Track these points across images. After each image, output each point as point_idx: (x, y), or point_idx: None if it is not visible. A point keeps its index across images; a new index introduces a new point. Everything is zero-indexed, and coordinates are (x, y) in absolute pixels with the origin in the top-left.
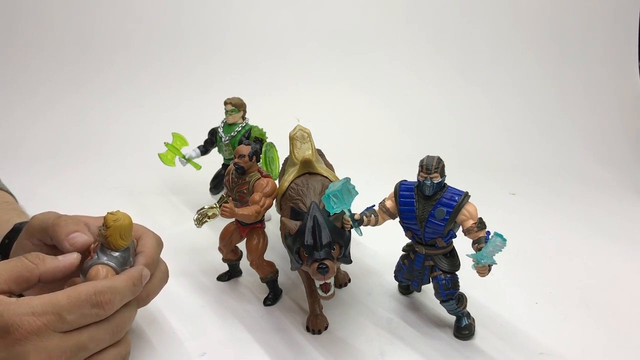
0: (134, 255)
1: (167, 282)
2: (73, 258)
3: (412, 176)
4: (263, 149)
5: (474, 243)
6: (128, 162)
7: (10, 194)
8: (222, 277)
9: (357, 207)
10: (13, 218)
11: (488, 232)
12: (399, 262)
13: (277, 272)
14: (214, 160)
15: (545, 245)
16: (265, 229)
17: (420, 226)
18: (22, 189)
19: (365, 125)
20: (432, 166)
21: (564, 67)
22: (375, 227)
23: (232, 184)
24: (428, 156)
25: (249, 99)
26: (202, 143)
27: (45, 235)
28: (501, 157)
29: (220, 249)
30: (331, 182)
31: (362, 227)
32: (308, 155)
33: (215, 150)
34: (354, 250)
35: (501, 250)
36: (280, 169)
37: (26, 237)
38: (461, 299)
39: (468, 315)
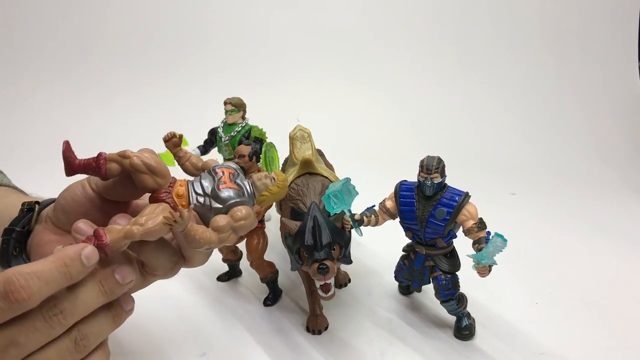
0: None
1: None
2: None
3: (412, 176)
4: (263, 149)
5: (474, 243)
6: None
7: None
8: (222, 277)
9: (357, 207)
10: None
11: (488, 233)
12: (399, 263)
13: (277, 272)
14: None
15: (545, 245)
16: (265, 229)
17: (420, 226)
18: (22, 189)
19: (366, 126)
20: (432, 166)
21: (564, 67)
22: (376, 227)
23: None
24: (428, 156)
25: (248, 98)
26: (202, 143)
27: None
28: (501, 157)
29: (220, 249)
30: (331, 182)
31: (362, 227)
32: (308, 155)
33: (215, 150)
34: (354, 250)
35: (502, 251)
36: (280, 169)
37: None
38: (461, 299)
39: (468, 315)
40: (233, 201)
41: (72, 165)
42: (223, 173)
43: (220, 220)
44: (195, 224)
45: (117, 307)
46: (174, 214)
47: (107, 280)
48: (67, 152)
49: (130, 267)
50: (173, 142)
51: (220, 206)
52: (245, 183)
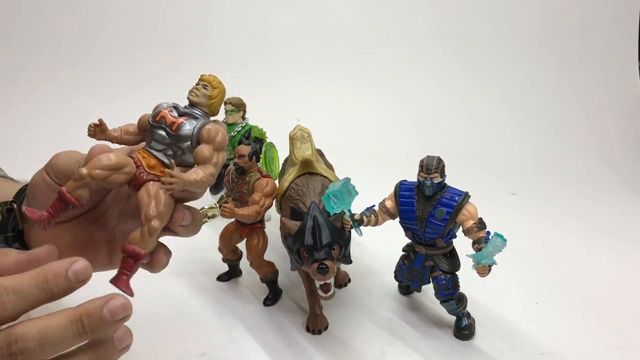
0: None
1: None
2: (42, 251)
3: (412, 176)
4: (263, 149)
5: (474, 243)
6: None
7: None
8: (222, 277)
9: (357, 207)
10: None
11: (488, 232)
12: (399, 262)
13: (277, 272)
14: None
15: (545, 245)
16: (265, 229)
17: (420, 226)
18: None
19: (366, 125)
20: (432, 166)
21: (564, 67)
22: (375, 227)
23: (232, 184)
24: (428, 156)
25: (248, 98)
26: None
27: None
28: (501, 157)
29: (220, 249)
30: (331, 182)
31: (362, 227)
32: (308, 155)
33: None
34: (354, 250)
35: (501, 251)
36: (280, 169)
37: (47, 173)
38: (461, 299)
39: (468, 315)
40: (195, 130)
41: (44, 220)
42: (164, 117)
43: (203, 150)
44: (186, 173)
45: (105, 347)
46: (165, 179)
47: (90, 317)
48: (32, 215)
49: (125, 301)
50: (99, 129)
51: (188, 143)
52: (192, 109)
